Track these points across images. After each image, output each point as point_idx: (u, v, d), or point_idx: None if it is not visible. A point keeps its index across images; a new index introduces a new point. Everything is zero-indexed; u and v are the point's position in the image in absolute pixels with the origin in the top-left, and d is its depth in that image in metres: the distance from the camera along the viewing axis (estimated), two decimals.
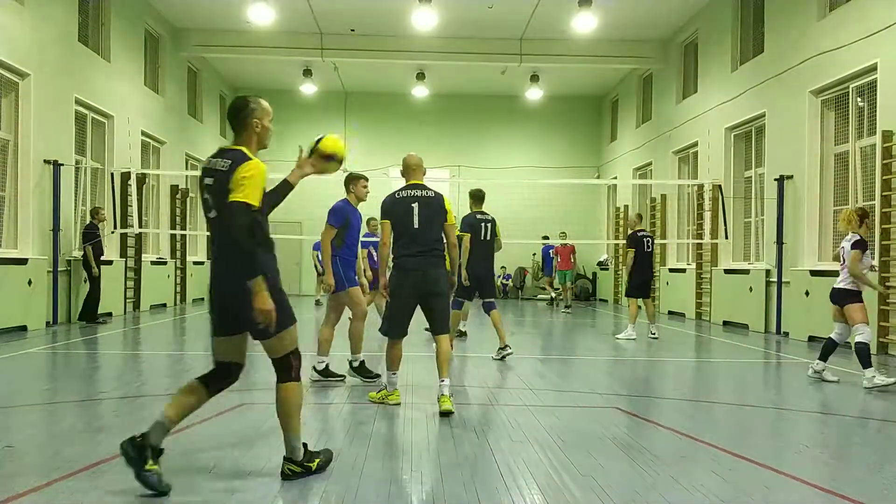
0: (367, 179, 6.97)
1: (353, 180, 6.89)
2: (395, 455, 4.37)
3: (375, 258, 11.34)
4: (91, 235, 12.19)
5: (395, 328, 5.70)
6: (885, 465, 4.39)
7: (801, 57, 11.89)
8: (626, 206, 20.32)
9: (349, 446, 4.54)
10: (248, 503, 3.51)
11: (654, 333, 11.14)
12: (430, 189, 5.81)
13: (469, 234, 8.67)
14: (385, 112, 23.26)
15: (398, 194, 5.78)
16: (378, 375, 6.85)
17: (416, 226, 5.62)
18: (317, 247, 17.63)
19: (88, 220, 12.57)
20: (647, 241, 11.42)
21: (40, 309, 11.36)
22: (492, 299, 8.89)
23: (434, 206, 5.72)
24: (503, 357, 8.48)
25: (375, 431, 4.94)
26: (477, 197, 9.09)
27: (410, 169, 5.91)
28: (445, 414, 5.38)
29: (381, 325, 5.87)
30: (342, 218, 6.70)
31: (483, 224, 8.84)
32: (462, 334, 10.49)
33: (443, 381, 5.58)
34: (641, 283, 11.26)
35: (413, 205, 5.67)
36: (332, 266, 6.63)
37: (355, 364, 6.91)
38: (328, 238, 6.64)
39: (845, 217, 7.38)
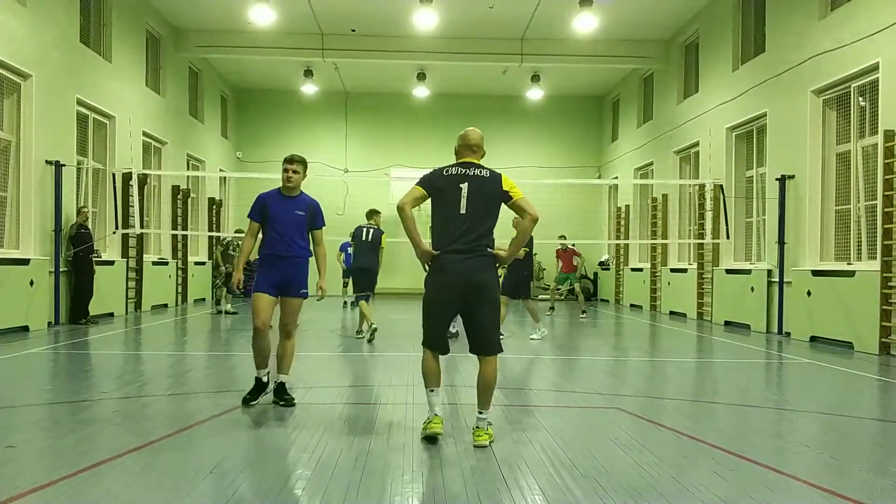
0: (291, 162, 5.75)
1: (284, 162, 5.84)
2: (396, 454, 4.36)
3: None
4: (83, 236, 12.19)
5: (429, 338, 4.75)
6: (887, 465, 4.38)
7: (803, 56, 11.88)
8: (628, 207, 20.32)
9: (350, 446, 4.53)
10: (248, 502, 3.51)
11: (543, 332, 10.94)
12: (485, 168, 4.72)
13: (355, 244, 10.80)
14: (386, 112, 23.28)
15: (446, 170, 4.71)
16: (292, 400, 5.78)
17: (462, 211, 4.57)
18: (343, 247, 17.51)
19: (75, 220, 12.52)
20: None
21: (42, 309, 11.37)
22: (368, 293, 10.73)
23: (490, 189, 4.63)
24: (361, 336, 10.55)
25: (376, 431, 4.94)
26: (368, 215, 10.89)
27: (470, 147, 4.79)
28: (480, 447, 4.53)
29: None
30: (256, 209, 5.75)
31: (364, 229, 10.69)
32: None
33: (480, 413, 4.65)
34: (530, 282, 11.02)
35: (462, 185, 4.60)
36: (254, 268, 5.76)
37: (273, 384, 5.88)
38: (247, 234, 5.83)
39: None
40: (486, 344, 4.68)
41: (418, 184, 4.72)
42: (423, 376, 4.78)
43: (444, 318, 4.79)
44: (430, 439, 4.63)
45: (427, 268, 4.75)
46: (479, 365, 4.71)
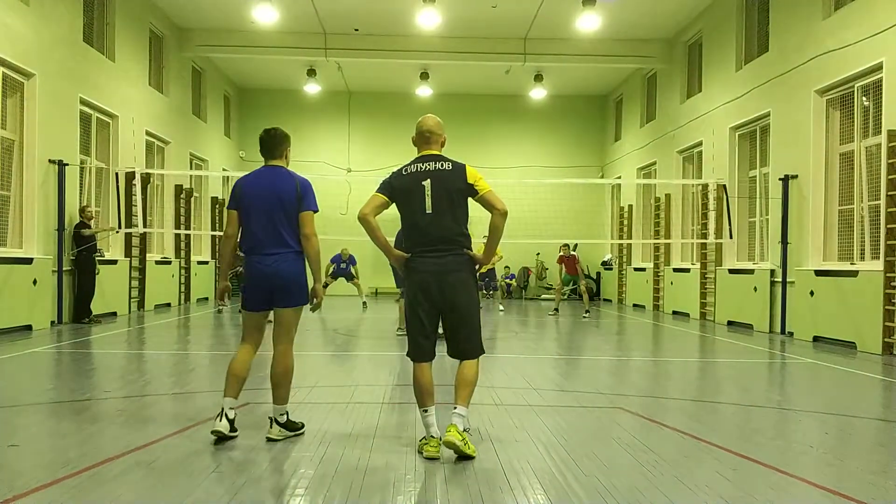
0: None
1: (288, 140, 5.01)
2: (398, 454, 4.36)
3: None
4: (85, 235, 12.23)
5: (413, 347, 4.41)
6: (890, 465, 4.37)
7: (806, 56, 11.85)
8: (631, 206, 20.30)
9: (352, 446, 4.53)
10: (250, 503, 3.51)
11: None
12: (447, 160, 4.39)
13: None
14: (389, 112, 23.25)
15: (405, 169, 4.43)
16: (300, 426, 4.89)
17: (428, 210, 4.28)
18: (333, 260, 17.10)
19: (78, 219, 12.53)
20: None
21: (45, 308, 11.39)
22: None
23: (453, 183, 4.32)
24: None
25: (378, 431, 4.94)
26: None
27: (424, 135, 4.50)
28: (449, 445, 4.13)
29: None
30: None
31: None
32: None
33: (455, 408, 4.27)
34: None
35: (424, 182, 4.30)
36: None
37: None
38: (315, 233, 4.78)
39: None
40: (465, 348, 4.38)
41: (378, 190, 4.42)
42: (415, 395, 4.40)
43: (424, 321, 4.35)
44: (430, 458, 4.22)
45: (401, 272, 4.49)
46: (459, 364, 4.44)
